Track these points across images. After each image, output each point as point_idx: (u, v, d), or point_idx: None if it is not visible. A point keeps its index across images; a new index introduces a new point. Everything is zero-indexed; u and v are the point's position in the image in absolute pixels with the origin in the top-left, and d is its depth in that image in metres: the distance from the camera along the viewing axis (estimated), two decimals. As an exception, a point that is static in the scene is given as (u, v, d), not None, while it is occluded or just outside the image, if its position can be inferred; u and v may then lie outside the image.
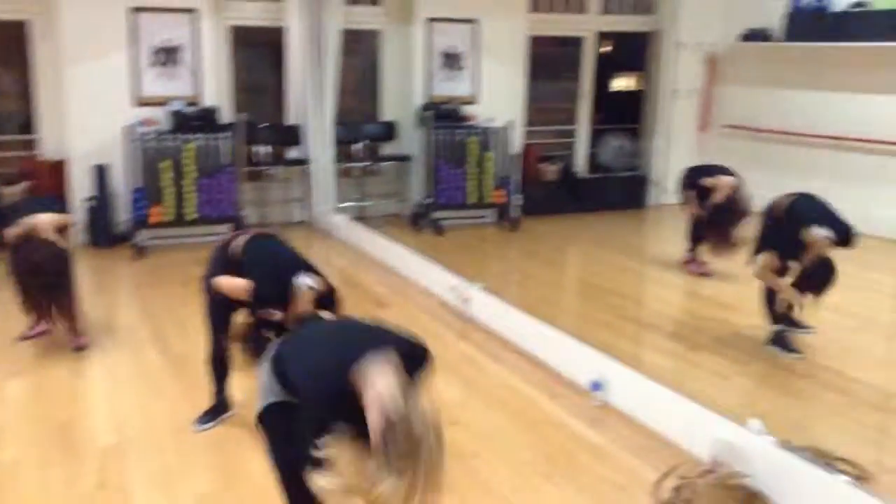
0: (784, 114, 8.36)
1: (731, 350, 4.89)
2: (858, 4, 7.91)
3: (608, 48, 9.55)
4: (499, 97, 8.57)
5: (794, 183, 5.02)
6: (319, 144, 7.97)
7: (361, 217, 8.11)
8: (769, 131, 8.50)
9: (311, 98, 7.89)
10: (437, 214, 8.14)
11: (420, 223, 8.15)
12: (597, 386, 4.11)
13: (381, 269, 6.67)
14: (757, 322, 4.91)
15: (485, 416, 4.02)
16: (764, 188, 5.34)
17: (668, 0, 9.20)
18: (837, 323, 5.16)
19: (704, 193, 6.11)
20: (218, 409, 3.86)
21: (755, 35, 8.77)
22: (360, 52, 8.59)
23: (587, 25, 9.29)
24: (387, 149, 8.55)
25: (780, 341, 4.73)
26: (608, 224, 8.50)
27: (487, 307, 5.30)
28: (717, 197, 5.89)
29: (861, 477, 3.17)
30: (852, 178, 7.63)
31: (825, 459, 3.24)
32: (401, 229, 7.85)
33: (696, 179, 6.27)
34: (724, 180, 5.99)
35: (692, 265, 6.48)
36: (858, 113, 7.84)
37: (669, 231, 7.27)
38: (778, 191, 4.87)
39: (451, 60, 8.57)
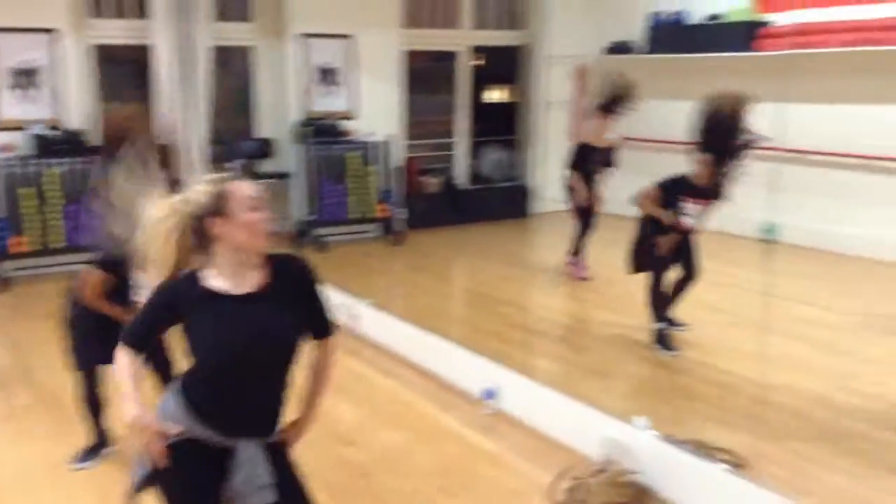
0: (649, 123, 8.71)
1: (615, 351, 5.07)
2: (713, 17, 8.38)
3: (480, 61, 9.72)
4: (377, 111, 8.58)
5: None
6: (192, 164, 7.73)
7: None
8: (637, 139, 8.86)
9: (182, 117, 7.65)
10: (320, 231, 8.06)
11: (302, 240, 8.04)
12: (489, 394, 4.16)
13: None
14: (636, 322, 5.11)
15: (380, 433, 4.00)
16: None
17: (538, 15, 9.48)
18: (709, 319, 5.43)
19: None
20: (97, 446, 3.67)
21: (619, 48, 9.16)
22: (233, 68, 8.41)
23: (460, 40, 9.44)
24: (265, 166, 8.39)
25: (661, 340, 4.93)
26: (491, 234, 8.63)
27: (377, 323, 5.28)
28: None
29: (738, 464, 3.35)
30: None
31: (706, 450, 3.40)
32: (282, 247, 7.70)
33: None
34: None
35: (574, 269, 6.67)
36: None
37: (551, 238, 7.47)
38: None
39: (328, 76, 8.52)
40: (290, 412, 2.34)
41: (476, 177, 9.71)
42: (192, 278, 2.13)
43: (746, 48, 7.89)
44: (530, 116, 9.74)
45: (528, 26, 9.65)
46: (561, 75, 9.48)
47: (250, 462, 2.15)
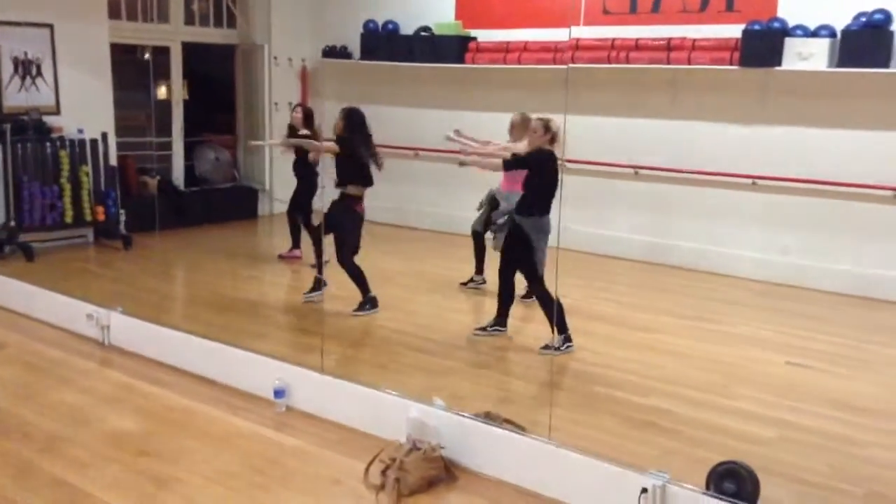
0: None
1: (380, 341, 5.34)
2: (424, 29, 8.98)
3: (147, 56, 9.20)
4: (85, 107, 7.95)
5: (385, 190, 5.82)
6: None
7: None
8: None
9: None
10: (25, 238, 7.30)
11: (4, 250, 7.22)
12: (280, 393, 4.20)
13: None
14: (395, 314, 5.41)
15: (173, 441, 3.86)
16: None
17: (261, 14, 9.44)
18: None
19: None
20: None
21: (334, 52, 9.44)
22: None
23: (171, 35, 9.09)
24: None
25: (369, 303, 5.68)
26: (223, 237, 8.45)
27: (131, 331, 5.00)
28: None
29: (522, 429, 3.79)
30: (432, 184, 8.80)
31: (495, 421, 3.80)
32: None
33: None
34: None
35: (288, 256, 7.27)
36: (430, 126, 8.91)
37: (282, 239, 7.52)
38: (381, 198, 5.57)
39: (25, 68, 7.74)
40: None
41: (193, 178, 9.38)
42: None
43: (458, 60, 8.60)
44: (255, 116, 9.68)
45: (248, 25, 9.55)
46: (288, 76, 9.60)
47: None
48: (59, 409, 4.19)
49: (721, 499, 2.98)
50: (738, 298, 6.62)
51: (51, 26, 7.80)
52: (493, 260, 5.74)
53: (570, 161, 7.44)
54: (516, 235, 5.20)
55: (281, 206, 8.96)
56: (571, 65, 7.99)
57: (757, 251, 7.20)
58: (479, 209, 6.34)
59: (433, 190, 8.92)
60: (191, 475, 3.52)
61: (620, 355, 5.13)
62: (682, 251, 7.54)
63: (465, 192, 8.26)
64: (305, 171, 7.11)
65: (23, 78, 7.72)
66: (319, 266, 6.05)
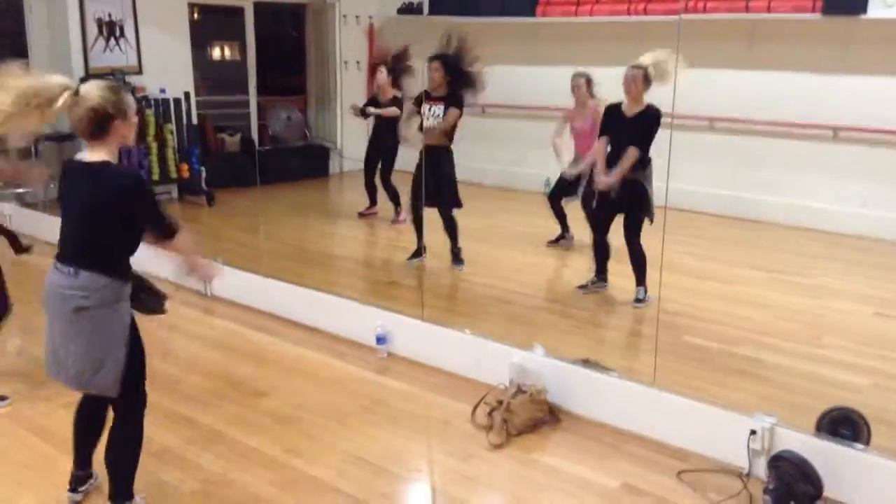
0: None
1: (464, 292, 5.47)
2: (492, -18, 8.94)
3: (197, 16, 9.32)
4: (166, 66, 8.17)
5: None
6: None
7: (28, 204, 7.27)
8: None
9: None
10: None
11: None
12: (382, 340, 4.37)
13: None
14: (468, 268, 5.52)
15: (286, 383, 4.07)
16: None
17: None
18: (542, 263, 6.00)
19: None
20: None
21: (407, 8, 9.48)
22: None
23: (246, -5, 9.23)
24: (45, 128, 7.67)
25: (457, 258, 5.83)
26: (298, 193, 8.64)
27: (235, 282, 5.20)
28: None
29: (609, 370, 3.89)
30: (496, 140, 8.84)
31: (592, 366, 3.92)
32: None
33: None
34: None
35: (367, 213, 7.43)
36: (497, 82, 8.89)
37: (356, 196, 7.70)
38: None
39: (109, 29, 7.96)
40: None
41: (266, 137, 9.58)
42: None
43: (529, 14, 8.57)
44: (326, 75, 9.79)
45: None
46: (357, 34, 9.68)
47: None
48: (171, 355, 4.43)
49: (831, 440, 3.06)
50: (818, 251, 6.59)
51: (131, -13, 8.00)
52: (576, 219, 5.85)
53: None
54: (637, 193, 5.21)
55: (351, 165, 9.15)
56: (644, 16, 7.93)
57: (837, 203, 7.13)
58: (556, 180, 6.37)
59: (497, 146, 8.96)
60: (308, 414, 3.72)
61: (706, 307, 5.18)
62: (759, 204, 7.49)
63: (527, 148, 8.39)
64: (390, 133, 7.06)
65: (107, 39, 7.95)
66: (419, 233, 5.98)
